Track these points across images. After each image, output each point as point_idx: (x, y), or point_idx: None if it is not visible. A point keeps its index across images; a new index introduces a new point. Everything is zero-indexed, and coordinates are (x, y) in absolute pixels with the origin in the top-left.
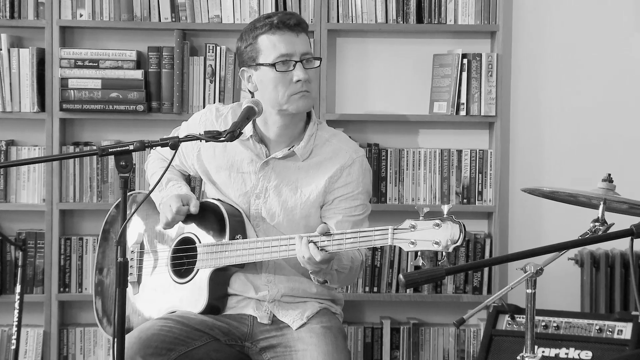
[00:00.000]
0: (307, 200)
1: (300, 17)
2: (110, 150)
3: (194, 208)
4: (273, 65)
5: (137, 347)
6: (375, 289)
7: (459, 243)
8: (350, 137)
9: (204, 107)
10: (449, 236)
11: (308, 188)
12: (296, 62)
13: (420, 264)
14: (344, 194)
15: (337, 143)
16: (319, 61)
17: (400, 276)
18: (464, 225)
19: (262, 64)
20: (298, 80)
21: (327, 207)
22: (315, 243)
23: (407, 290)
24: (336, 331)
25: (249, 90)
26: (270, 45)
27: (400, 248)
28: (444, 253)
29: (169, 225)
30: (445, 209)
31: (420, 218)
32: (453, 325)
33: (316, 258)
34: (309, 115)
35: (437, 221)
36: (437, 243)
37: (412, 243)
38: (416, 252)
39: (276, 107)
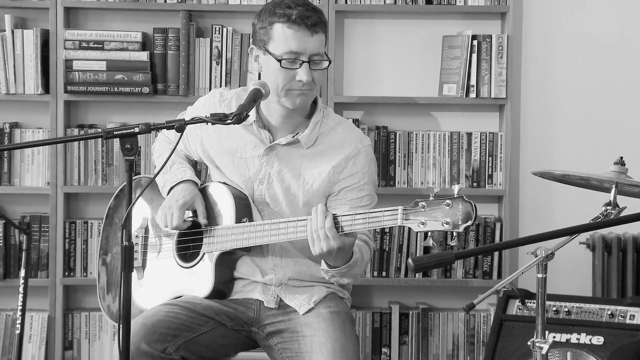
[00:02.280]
0: (310, 188)
1: (321, 17)
2: (115, 132)
3: (203, 220)
4: (279, 60)
5: (142, 334)
6: (383, 274)
7: (470, 222)
8: (358, 119)
9: (210, 90)
10: (460, 216)
11: (311, 176)
12: (303, 62)
13: (430, 244)
14: (350, 185)
15: (342, 132)
16: (328, 63)
17: (409, 260)
18: (475, 205)
19: (270, 52)
20: (300, 80)
21: (333, 197)
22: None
23: (416, 274)
24: (344, 316)
25: (252, 72)
26: (282, 37)
27: (409, 231)
28: (454, 233)
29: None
30: (456, 188)
31: (431, 198)
32: (463, 310)
33: (327, 224)
34: (314, 101)
35: (448, 201)
36: (447, 223)
37: (422, 223)
38: (426, 233)
39: (274, 95)
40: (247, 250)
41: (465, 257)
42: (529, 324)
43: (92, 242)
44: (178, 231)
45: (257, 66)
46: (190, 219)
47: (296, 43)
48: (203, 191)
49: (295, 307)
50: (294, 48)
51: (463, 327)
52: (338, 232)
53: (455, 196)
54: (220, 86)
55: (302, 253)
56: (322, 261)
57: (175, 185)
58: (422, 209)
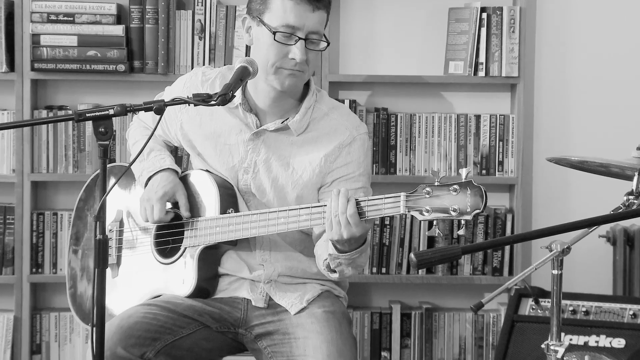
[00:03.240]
0: (300, 179)
1: None
2: (87, 115)
3: (185, 212)
4: (274, 32)
5: (118, 337)
6: (383, 270)
7: (480, 209)
8: (355, 101)
9: (192, 68)
10: (469, 201)
11: (301, 165)
12: (299, 39)
13: (436, 234)
14: (344, 175)
15: (337, 118)
16: (326, 45)
17: (412, 255)
18: (485, 190)
19: (264, 23)
20: (293, 59)
21: (325, 189)
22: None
23: (419, 271)
24: (340, 316)
25: (239, 48)
26: (280, 9)
27: (411, 223)
28: (462, 221)
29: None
30: (464, 172)
31: (436, 183)
32: (470, 310)
33: (349, 211)
34: (307, 84)
35: (455, 186)
36: (455, 210)
37: (427, 211)
38: (431, 222)
39: (263, 73)
40: (233, 244)
41: (473, 251)
42: (543, 325)
43: (62, 235)
44: (156, 224)
45: (248, 38)
46: (171, 210)
47: (295, 17)
48: (184, 180)
49: (286, 307)
50: (291, 22)
51: (471, 328)
52: (360, 218)
53: (463, 181)
54: (204, 64)
55: (293, 247)
56: (330, 246)
57: (153, 174)
58: (427, 195)
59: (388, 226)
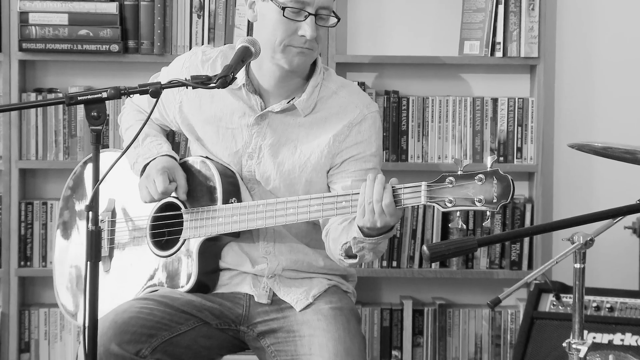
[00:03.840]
0: (307, 162)
1: None
2: (79, 98)
3: (183, 195)
4: (283, 8)
5: (112, 333)
6: (394, 264)
7: (508, 199)
8: (364, 83)
9: (190, 48)
10: (495, 192)
11: (308, 148)
12: (309, 14)
13: (459, 226)
14: (354, 155)
15: (345, 96)
16: (337, 20)
17: (424, 248)
18: (512, 179)
19: None
20: (302, 36)
21: (334, 170)
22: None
23: (432, 264)
24: (348, 313)
25: (240, 27)
26: None
27: (424, 213)
28: (488, 213)
29: (152, 202)
30: (489, 160)
31: (459, 172)
32: (487, 307)
33: (385, 200)
34: (314, 62)
35: (481, 175)
36: (480, 201)
37: (450, 202)
38: (452, 213)
39: (269, 51)
40: (236, 235)
41: (489, 243)
42: (564, 323)
43: (53, 226)
44: (153, 214)
45: (251, 15)
46: (173, 185)
47: None
48: (182, 167)
49: (291, 303)
50: None
51: (487, 326)
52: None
53: (488, 170)
54: (202, 43)
55: (299, 239)
56: (356, 228)
57: (150, 162)
58: (450, 185)
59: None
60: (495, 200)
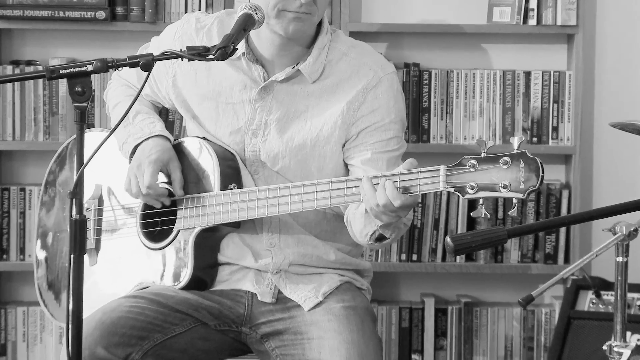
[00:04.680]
0: (320, 134)
1: None
2: (61, 71)
3: (179, 190)
4: None
5: (99, 335)
6: (414, 257)
7: (536, 185)
8: (381, 54)
9: (185, 14)
10: (522, 177)
11: (320, 119)
12: None
13: (482, 215)
14: (372, 124)
15: (357, 57)
16: None
17: (448, 239)
18: (541, 162)
19: None
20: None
21: (350, 143)
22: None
23: (457, 258)
24: (362, 312)
25: None
26: None
27: (447, 201)
28: (514, 200)
29: (135, 196)
30: (516, 142)
31: (483, 154)
32: (518, 305)
33: (395, 203)
34: (320, 23)
35: (506, 158)
36: (506, 186)
37: (472, 187)
38: (476, 201)
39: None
40: (236, 225)
41: (521, 234)
42: (605, 323)
43: (32, 215)
44: (143, 202)
45: None
46: (164, 185)
47: None
48: (176, 150)
49: (299, 302)
50: None
51: (519, 326)
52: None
53: (515, 152)
54: (200, 9)
55: (307, 229)
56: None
57: (141, 142)
58: (472, 169)
59: (420, 204)
60: (522, 187)
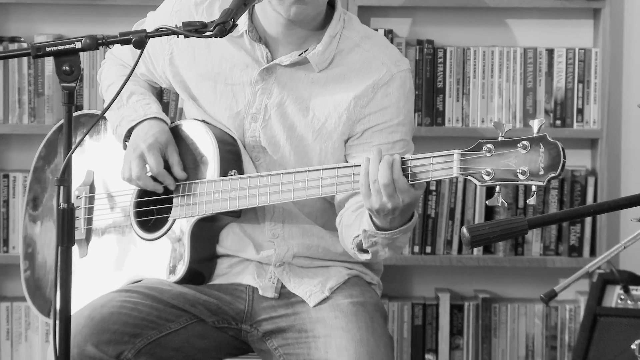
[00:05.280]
0: (322, 127)
1: None
2: (48, 49)
3: (181, 173)
4: None
5: (89, 332)
6: (427, 249)
7: (557, 171)
8: (392, 31)
9: None
10: (542, 163)
11: (324, 110)
12: None
13: (499, 204)
14: (378, 124)
15: (370, 49)
16: None
17: (464, 230)
18: (562, 146)
19: None
20: None
21: (353, 141)
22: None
23: (474, 250)
24: (372, 309)
25: None
26: None
27: (464, 188)
28: (534, 187)
29: (131, 182)
30: (535, 125)
31: (500, 138)
32: (540, 301)
33: (397, 184)
34: (332, 5)
35: (525, 142)
36: (524, 172)
37: (488, 174)
38: (492, 188)
39: None
40: (236, 215)
41: (543, 225)
42: (633, 320)
43: (16, 203)
44: (138, 189)
45: None
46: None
47: None
48: (173, 133)
49: (304, 297)
50: None
51: (541, 324)
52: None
53: (534, 135)
54: None
55: (313, 219)
56: (367, 220)
57: (136, 124)
58: (488, 153)
59: (434, 192)
60: (542, 172)
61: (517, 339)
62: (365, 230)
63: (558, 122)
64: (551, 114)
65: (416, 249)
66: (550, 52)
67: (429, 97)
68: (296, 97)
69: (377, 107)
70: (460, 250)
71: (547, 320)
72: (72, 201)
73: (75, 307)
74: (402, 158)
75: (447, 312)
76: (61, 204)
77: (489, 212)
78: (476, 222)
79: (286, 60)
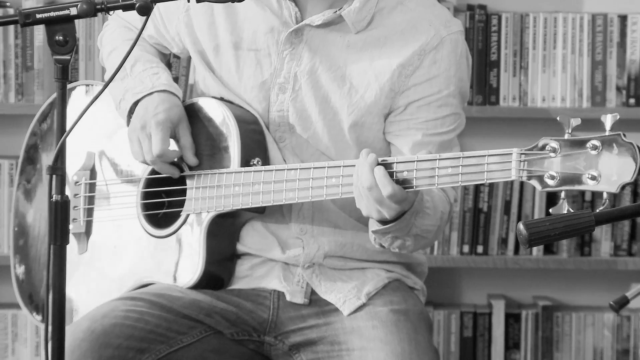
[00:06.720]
0: (361, 100)
1: None
2: (38, 16)
3: (192, 158)
4: None
5: (88, 347)
6: (479, 249)
7: (632, 177)
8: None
9: None
10: (616, 166)
11: (363, 79)
12: None
13: (565, 212)
14: (425, 97)
15: (416, 8)
16: None
17: (521, 226)
18: (638, 146)
19: None
20: None
21: (396, 116)
22: (388, 164)
23: (533, 250)
24: (415, 318)
25: None
26: None
27: (521, 183)
28: (605, 195)
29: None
30: (608, 120)
31: (567, 135)
32: (610, 309)
33: (383, 191)
34: None
35: (595, 142)
36: (594, 178)
37: (552, 177)
38: (556, 194)
39: None
40: (260, 210)
41: (613, 220)
42: None
43: (2, 194)
44: (146, 176)
45: None
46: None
47: None
48: (187, 113)
49: (336, 304)
50: None
51: (610, 336)
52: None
53: (606, 134)
54: None
55: (347, 212)
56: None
57: (142, 97)
58: (552, 154)
59: (486, 184)
60: (614, 178)
61: (583, 353)
62: (374, 231)
63: (632, 100)
64: (624, 91)
65: (465, 248)
66: (623, 18)
67: (480, 72)
68: (330, 63)
69: (424, 77)
70: (517, 251)
71: (618, 331)
72: (70, 189)
73: (72, 316)
74: (384, 162)
75: (501, 322)
76: (53, 196)
77: (550, 205)
78: (535, 217)
79: (318, 19)
